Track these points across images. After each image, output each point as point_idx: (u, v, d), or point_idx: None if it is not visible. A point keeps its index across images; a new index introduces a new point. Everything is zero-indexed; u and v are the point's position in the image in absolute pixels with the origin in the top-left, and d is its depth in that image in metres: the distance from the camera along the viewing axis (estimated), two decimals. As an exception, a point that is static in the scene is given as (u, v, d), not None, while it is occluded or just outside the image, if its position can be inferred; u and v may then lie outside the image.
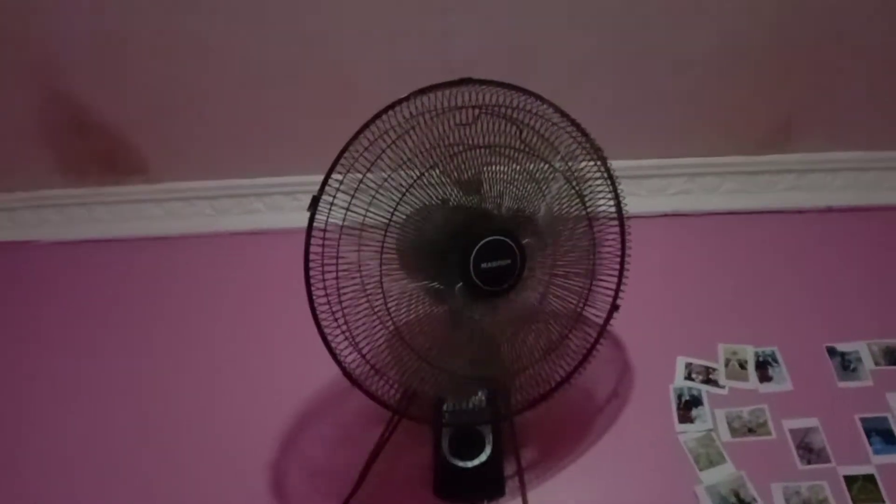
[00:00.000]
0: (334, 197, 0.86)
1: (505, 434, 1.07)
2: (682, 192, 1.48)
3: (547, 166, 0.95)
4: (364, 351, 0.92)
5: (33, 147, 1.45)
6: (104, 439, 1.17)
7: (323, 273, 0.87)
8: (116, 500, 1.09)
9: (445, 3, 1.25)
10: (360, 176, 0.86)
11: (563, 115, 0.95)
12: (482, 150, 0.91)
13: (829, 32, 1.29)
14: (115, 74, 1.34)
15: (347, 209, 0.86)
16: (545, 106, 0.94)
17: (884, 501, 1.01)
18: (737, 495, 1.03)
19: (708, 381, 1.17)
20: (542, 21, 1.28)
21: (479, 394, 1.04)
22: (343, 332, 0.90)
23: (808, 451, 1.08)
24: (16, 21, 1.27)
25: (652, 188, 1.47)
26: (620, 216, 1.01)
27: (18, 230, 1.55)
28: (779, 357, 1.20)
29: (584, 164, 0.98)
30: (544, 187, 0.95)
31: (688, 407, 1.14)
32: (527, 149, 0.93)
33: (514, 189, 0.94)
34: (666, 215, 1.47)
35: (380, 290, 0.90)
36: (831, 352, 1.20)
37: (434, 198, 0.91)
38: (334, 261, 0.87)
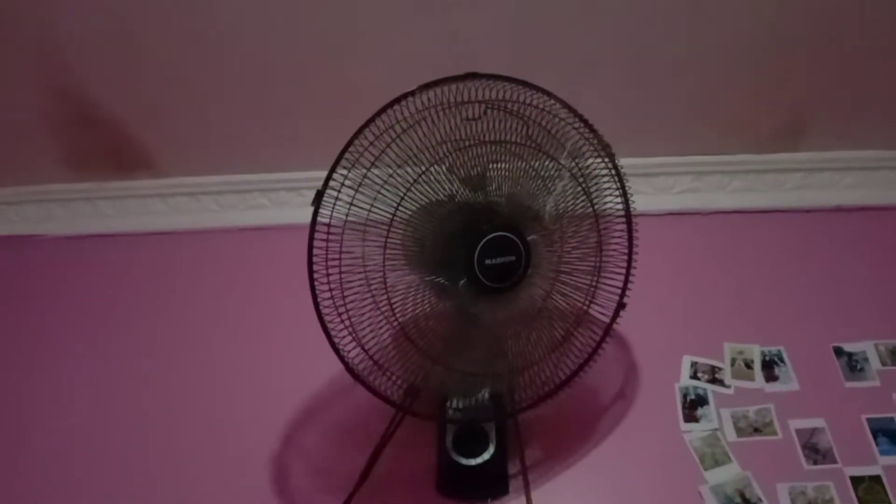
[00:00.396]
0: (339, 192, 0.86)
1: (509, 432, 1.07)
2: (689, 191, 1.47)
3: (553, 163, 0.94)
4: (367, 347, 0.92)
5: (39, 141, 1.45)
6: (107, 435, 1.17)
7: (327, 268, 0.87)
8: (118, 494, 1.09)
9: (445, 3, 1.25)
10: (364, 171, 0.86)
11: (571, 110, 0.94)
12: (488, 146, 0.90)
13: (829, 32, 1.28)
14: (122, 69, 1.34)
15: (352, 204, 0.86)
16: (552, 101, 0.93)
17: (890, 503, 1.01)
18: (742, 495, 1.02)
19: (714, 381, 1.17)
20: (542, 21, 1.27)
21: (483, 391, 1.04)
22: (347, 328, 0.89)
23: (815, 451, 1.07)
24: (23, 16, 1.27)
25: (659, 186, 1.47)
26: (628, 213, 1.00)
27: (24, 224, 1.55)
28: (785, 357, 1.19)
29: (591, 160, 0.97)
30: (550, 184, 0.95)
31: (693, 406, 1.14)
32: (533, 145, 0.93)
33: (520, 185, 0.94)
34: (672, 213, 1.46)
35: (384, 286, 0.90)
36: (838, 352, 1.20)
37: (439, 193, 0.91)
38: (338, 256, 0.87)
